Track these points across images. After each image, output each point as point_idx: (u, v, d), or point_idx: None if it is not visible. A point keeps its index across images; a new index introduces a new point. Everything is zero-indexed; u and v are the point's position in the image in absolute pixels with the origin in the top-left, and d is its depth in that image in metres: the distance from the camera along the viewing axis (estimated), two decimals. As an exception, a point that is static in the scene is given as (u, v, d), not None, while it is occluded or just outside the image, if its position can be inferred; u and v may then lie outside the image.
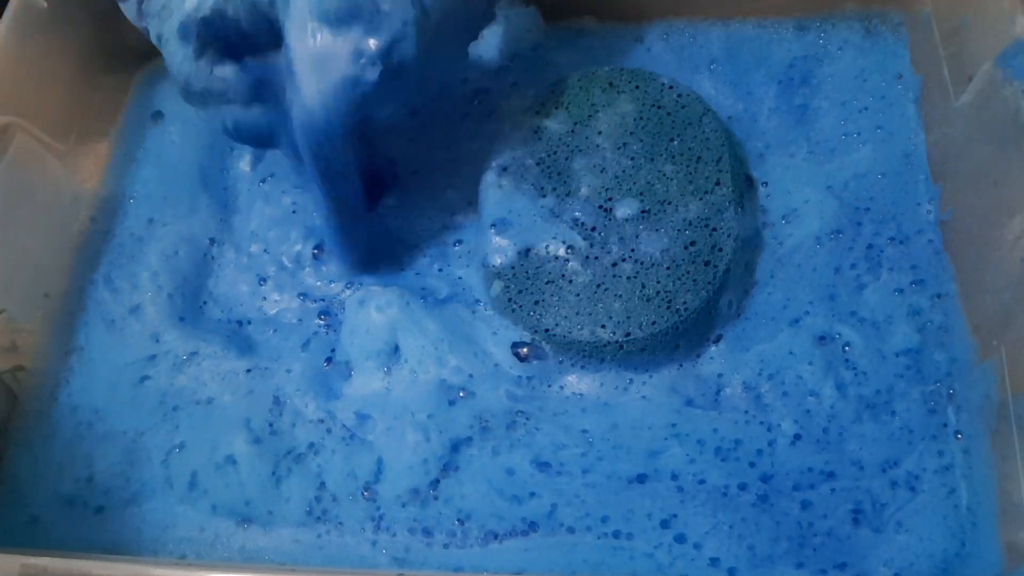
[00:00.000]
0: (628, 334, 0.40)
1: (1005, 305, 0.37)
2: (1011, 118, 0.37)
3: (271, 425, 0.42)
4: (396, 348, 0.42)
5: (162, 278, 0.46)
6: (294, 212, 0.48)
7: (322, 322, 0.45)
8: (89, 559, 0.34)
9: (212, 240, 0.47)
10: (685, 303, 0.41)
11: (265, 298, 0.46)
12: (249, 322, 0.45)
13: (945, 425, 0.39)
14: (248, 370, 0.44)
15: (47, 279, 0.46)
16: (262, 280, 0.46)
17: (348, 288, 0.45)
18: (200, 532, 0.40)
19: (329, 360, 0.43)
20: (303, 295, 0.45)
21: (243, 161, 0.50)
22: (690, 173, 0.43)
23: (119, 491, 0.41)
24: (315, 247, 0.46)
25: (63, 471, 0.42)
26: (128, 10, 0.42)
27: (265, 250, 0.47)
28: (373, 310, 0.43)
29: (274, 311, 0.45)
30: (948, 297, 0.41)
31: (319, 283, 0.46)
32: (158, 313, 0.45)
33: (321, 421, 0.42)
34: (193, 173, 0.49)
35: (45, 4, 0.46)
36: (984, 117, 0.39)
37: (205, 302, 0.46)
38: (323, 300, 0.45)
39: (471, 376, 0.41)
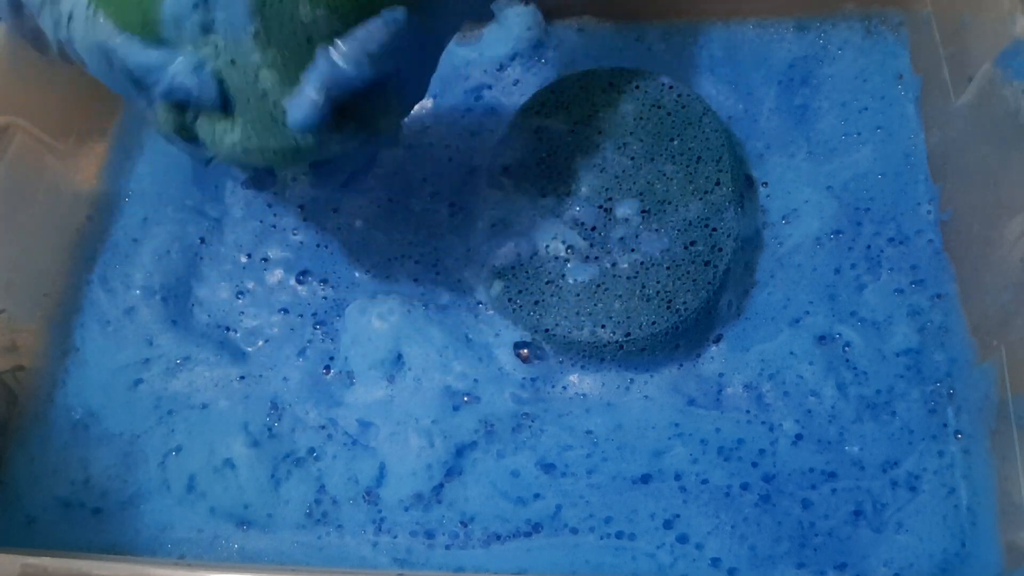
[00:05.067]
0: (628, 334, 0.40)
1: (1005, 305, 0.37)
2: (1011, 118, 0.37)
3: (269, 430, 0.42)
4: (399, 356, 0.42)
5: (155, 278, 0.46)
6: (274, 227, 0.47)
7: (318, 331, 0.44)
8: (89, 559, 0.34)
9: (202, 239, 0.47)
10: (685, 303, 0.40)
11: (244, 312, 0.45)
12: (236, 330, 0.45)
13: (945, 425, 0.39)
14: (242, 377, 0.43)
15: (47, 279, 0.46)
16: (241, 293, 0.46)
17: (339, 299, 0.45)
18: (199, 534, 0.40)
19: (328, 368, 0.43)
20: (284, 310, 0.45)
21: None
22: (690, 173, 0.43)
23: (116, 493, 0.41)
24: (299, 273, 0.46)
25: (59, 473, 0.42)
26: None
27: (248, 259, 0.47)
28: (374, 318, 0.43)
29: (255, 322, 0.45)
30: (948, 297, 0.41)
31: (301, 297, 0.46)
32: (151, 315, 0.45)
33: (322, 427, 0.42)
34: (187, 170, 0.49)
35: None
36: (984, 117, 0.39)
37: (193, 305, 0.46)
38: (314, 314, 0.45)
39: (476, 381, 0.41)
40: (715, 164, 0.43)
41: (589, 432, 0.40)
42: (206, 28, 0.33)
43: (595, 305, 0.41)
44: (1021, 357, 0.36)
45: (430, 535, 0.39)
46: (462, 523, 0.39)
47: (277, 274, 0.46)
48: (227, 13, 0.33)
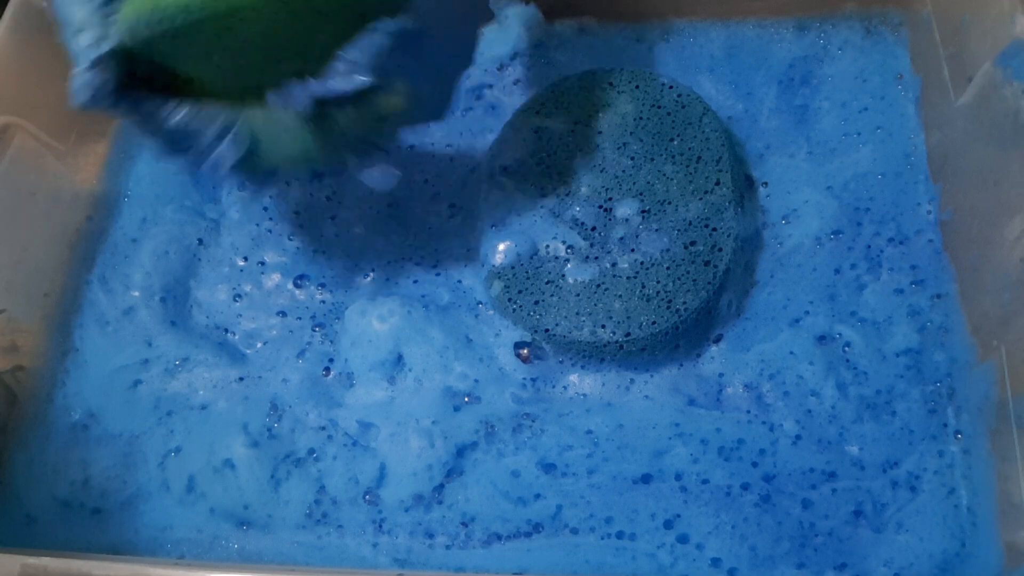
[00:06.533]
0: (628, 334, 0.40)
1: (1005, 305, 0.37)
2: (1011, 118, 0.37)
3: (269, 431, 0.42)
4: (400, 357, 0.42)
5: (154, 279, 0.46)
6: (269, 231, 0.47)
7: (317, 333, 0.44)
8: (89, 559, 0.34)
9: (200, 241, 0.47)
10: (685, 303, 0.40)
11: (242, 315, 0.45)
12: (234, 332, 0.45)
13: (945, 425, 0.39)
14: (241, 378, 0.43)
15: (47, 279, 0.46)
16: (239, 296, 0.46)
17: (337, 302, 0.45)
18: (198, 534, 0.40)
19: (328, 370, 0.43)
20: (282, 313, 0.45)
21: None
22: (690, 173, 0.43)
23: (115, 493, 0.41)
24: (297, 277, 0.46)
25: (59, 473, 0.42)
26: None
27: (244, 261, 0.47)
28: (375, 320, 0.43)
29: (253, 325, 0.45)
30: (948, 297, 0.41)
31: (299, 300, 0.45)
32: (150, 316, 0.45)
33: (322, 428, 0.42)
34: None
35: (45, 4, 0.46)
36: (984, 117, 0.39)
37: (192, 306, 0.46)
38: (313, 316, 0.45)
39: (476, 381, 0.41)
40: (715, 164, 0.43)
41: (589, 432, 0.40)
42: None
43: (595, 305, 0.41)
44: (1021, 357, 0.36)
45: (430, 535, 0.39)
46: (462, 523, 0.39)
47: (275, 278, 0.46)
48: None
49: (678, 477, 0.39)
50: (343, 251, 0.46)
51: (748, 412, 0.40)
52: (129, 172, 0.50)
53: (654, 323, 0.40)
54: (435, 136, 0.48)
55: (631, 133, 0.45)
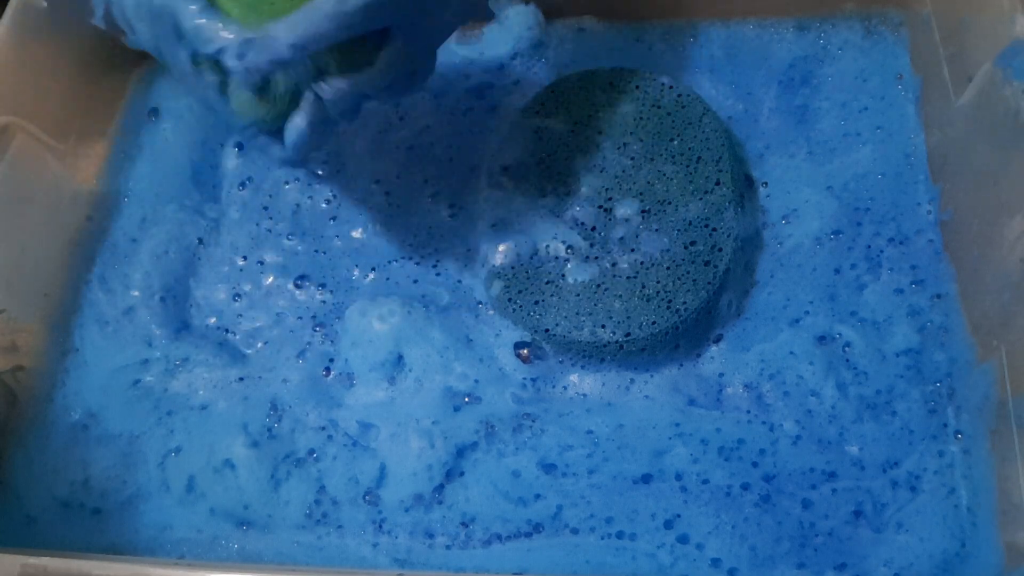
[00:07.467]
0: (628, 334, 0.40)
1: (1005, 305, 0.37)
2: (1011, 118, 0.37)
3: (269, 431, 0.42)
4: (400, 358, 0.42)
5: (153, 279, 0.46)
6: (269, 231, 0.47)
7: (318, 333, 0.44)
8: (89, 559, 0.34)
9: (200, 240, 0.47)
10: (685, 303, 0.40)
11: (242, 315, 0.45)
12: (234, 332, 0.45)
13: (945, 425, 0.39)
14: (241, 378, 0.43)
15: (47, 279, 0.46)
16: (239, 295, 0.46)
17: (337, 302, 0.45)
18: (198, 534, 0.40)
19: (328, 370, 0.43)
20: (283, 313, 0.45)
21: (231, 160, 0.49)
22: (690, 173, 0.43)
23: (115, 494, 0.41)
24: (297, 277, 0.46)
25: (59, 473, 0.42)
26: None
27: (244, 261, 0.47)
28: (375, 320, 0.43)
29: (253, 325, 0.45)
30: (948, 297, 0.41)
31: (299, 300, 0.45)
32: (150, 316, 0.45)
33: (322, 428, 0.42)
34: (185, 170, 0.49)
35: (45, 4, 0.46)
36: (984, 117, 0.39)
37: (191, 306, 0.46)
38: (313, 316, 0.45)
39: (477, 381, 0.41)
40: (715, 164, 0.43)
41: (590, 432, 0.40)
42: None
43: (595, 305, 0.41)
44: (1021, 357, 0.36)
45: (430, 535, 0.39)
46: (463, 523, 0.39)
47: (275, 278, 0.46)
48: None
49: (678, 477, 0.39)
50: (343, 251, 0.46)
51: (748, 412, 0.40)
52: (129, 172, 0.50)
53: (654, 323, 0.40)
54: (435, 136, 0.48)
55: (631, 133, 0.45)
